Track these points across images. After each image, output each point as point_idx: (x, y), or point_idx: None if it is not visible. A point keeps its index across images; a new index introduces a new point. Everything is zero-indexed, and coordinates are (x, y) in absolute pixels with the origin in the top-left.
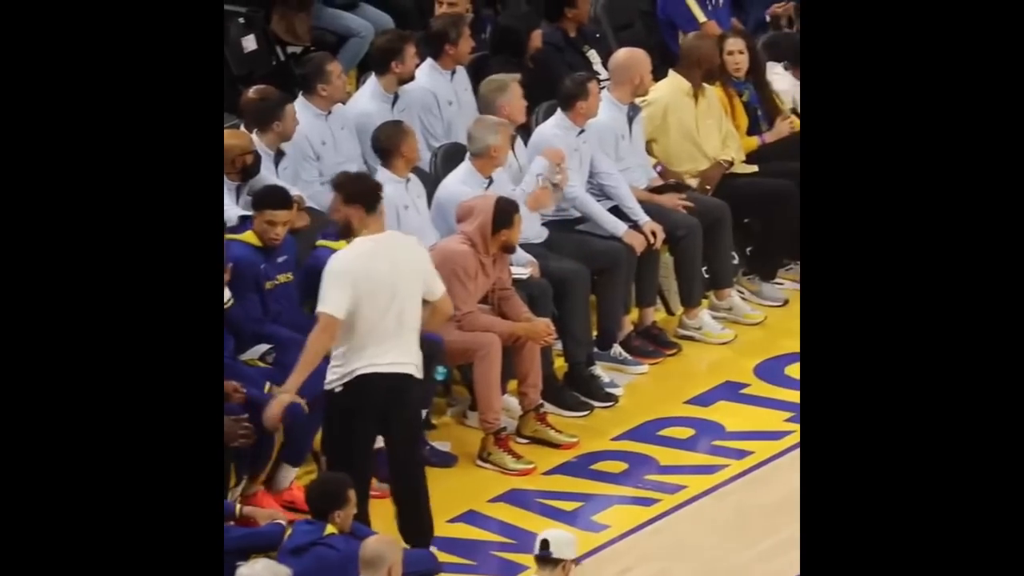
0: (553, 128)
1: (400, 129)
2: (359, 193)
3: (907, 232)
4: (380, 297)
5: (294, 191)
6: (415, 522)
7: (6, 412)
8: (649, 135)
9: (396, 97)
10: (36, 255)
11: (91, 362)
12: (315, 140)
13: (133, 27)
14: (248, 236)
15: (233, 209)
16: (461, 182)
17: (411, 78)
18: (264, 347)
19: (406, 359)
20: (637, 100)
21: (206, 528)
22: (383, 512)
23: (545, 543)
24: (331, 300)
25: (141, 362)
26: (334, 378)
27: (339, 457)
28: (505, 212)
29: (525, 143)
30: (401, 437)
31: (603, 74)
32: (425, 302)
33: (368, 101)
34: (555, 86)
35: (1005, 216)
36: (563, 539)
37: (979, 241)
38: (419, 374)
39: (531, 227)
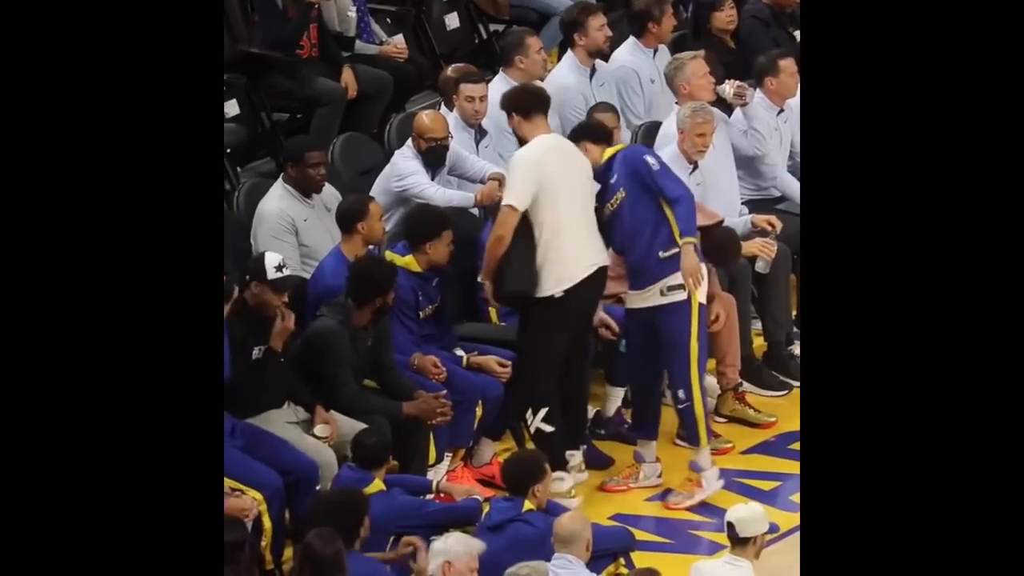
0: (755, 109)
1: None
2: (509, 100)
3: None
4: (567, 189)
5: (495, 169)
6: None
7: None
8: None
9: (593, 70)
10: (34, 256)
11: (87, 358)
12: None
13: (132, 23)
14: (409, 261)
15: (431, 188)
16: None
17: (600, 51)
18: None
19: (600, 258)
20: None
21: (203, 523)
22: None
23: (731, 525)
24: (514, 191)
25: (139, 355)
26: (551, 284)
27: (547, 360)
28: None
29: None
30: (585, 333)
31: None
32: None
33: (567, 74)
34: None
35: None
36: (748, 517)
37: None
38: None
39: (730, 204)
